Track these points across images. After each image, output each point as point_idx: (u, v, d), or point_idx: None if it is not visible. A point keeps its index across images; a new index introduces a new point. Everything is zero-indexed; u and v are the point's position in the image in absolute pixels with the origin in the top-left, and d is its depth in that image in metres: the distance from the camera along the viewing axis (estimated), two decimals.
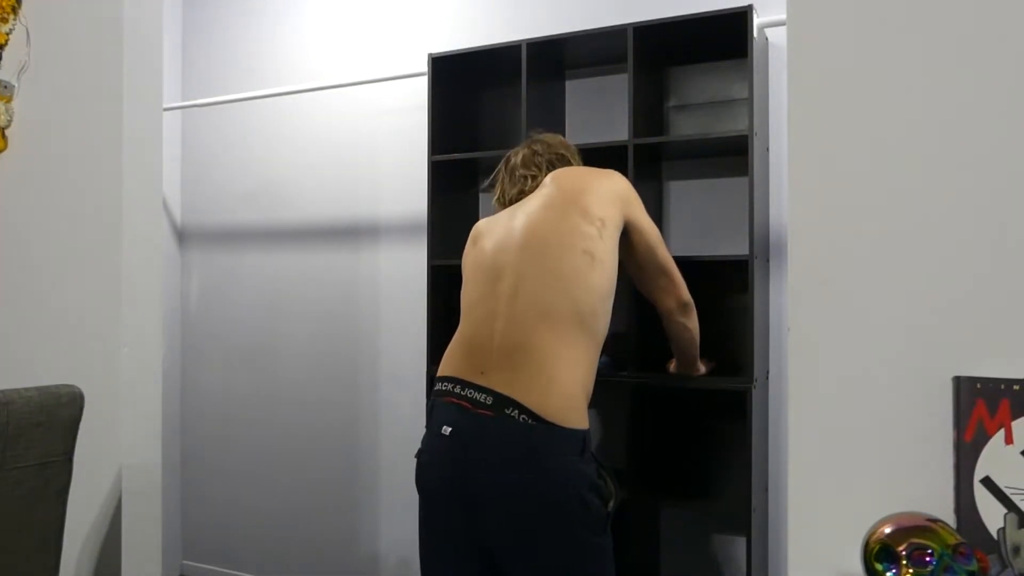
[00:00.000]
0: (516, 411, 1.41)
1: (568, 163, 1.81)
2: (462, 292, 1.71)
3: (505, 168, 1.82)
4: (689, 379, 2.01)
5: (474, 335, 1.54)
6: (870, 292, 1.04)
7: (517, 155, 1.82)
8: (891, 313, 1.02)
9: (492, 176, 1.86)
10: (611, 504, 1.48)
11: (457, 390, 1.49)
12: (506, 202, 1.78)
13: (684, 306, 1.78)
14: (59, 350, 1.91)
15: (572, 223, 1.57)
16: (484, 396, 1.44)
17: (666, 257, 1.74)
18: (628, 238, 1.68)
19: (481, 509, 1.44)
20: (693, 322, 1.83)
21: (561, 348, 1.47)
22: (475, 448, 1.44)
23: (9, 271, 2.01)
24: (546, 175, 1.74)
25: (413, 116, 2.72)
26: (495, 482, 1.42)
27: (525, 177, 1.76)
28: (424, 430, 1.59)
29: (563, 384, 1.45)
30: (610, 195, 1.63)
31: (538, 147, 1.81)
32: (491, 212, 1.84)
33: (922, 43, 1.02)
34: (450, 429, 1.46)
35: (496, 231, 1.69)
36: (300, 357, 3.00)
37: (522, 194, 1.75)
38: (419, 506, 1.57)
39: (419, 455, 1.58)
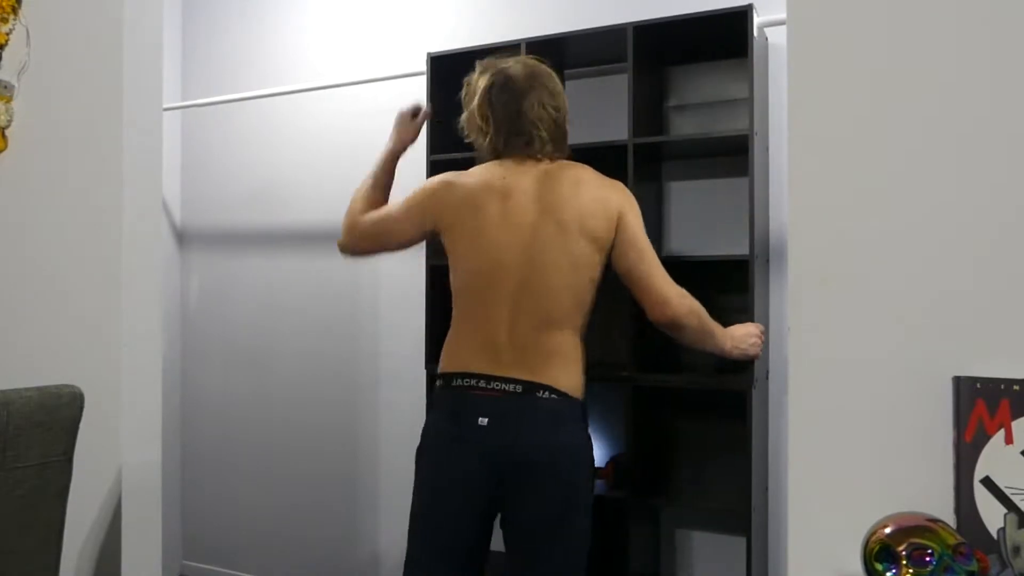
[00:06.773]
0: (545, 392, 1.61)
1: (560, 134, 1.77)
2: (461, 277, 1.72)
3: (494, 99, 1.74)
4: (690, 379, 2.01)
5: (487, 334, 1.66)
6: (870, 292, 1.04)
7: (516, 90, 1.72)
8: (891, 313, 1.02)
9: (467, 96, 1.82)
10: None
11: (483, 384, 1.63)
12: (498, 152, 1.76)
13: None
14: (59, 350, 1.91)
15: (574, 242, 1.66)
16: (513, 386, 1.61)
17: None
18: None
19: (501, 470, 1.60)
20: None
21: (565, 345, 1.66)
22: (512, 427, 1.60)
23: (9, 271, 2.01)
24: (544, 149, 1.72)
25: None
26: (529, 446, 1.60)
27: (525, 134, 1.72)
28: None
29: (573, 370, 1.67)
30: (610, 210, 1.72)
31: (544, 97, 1.73)
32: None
33: (922, 43, 1.02)
34: (487, 420, 1.60)
35: (493, 209, 1.69)
36: (300, 357, 3.00)
37: (518, 150, 1.72)
38: (426, 474, 1.69)
39: (436, 438, 1.70)
